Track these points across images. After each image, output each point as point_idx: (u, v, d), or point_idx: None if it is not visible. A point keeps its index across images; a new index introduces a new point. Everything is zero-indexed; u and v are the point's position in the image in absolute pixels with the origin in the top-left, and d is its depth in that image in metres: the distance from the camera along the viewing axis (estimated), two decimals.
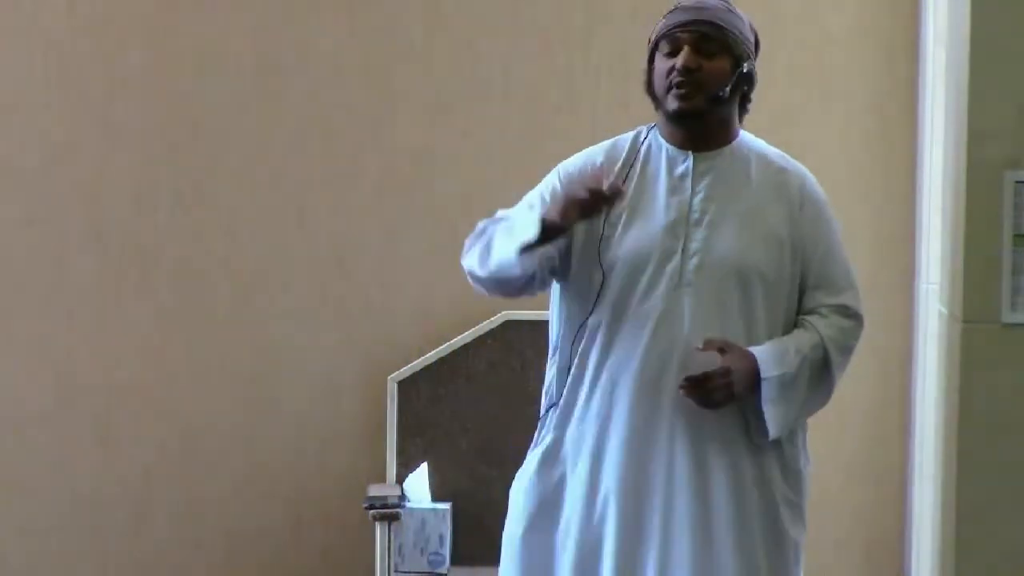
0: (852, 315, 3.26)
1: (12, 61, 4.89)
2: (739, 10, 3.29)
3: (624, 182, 3.25)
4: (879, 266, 4.91)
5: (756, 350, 3.17)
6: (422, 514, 4.66)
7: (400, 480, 4.80)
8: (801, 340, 3.20)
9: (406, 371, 4.84)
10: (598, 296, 3.22)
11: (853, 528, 4.99)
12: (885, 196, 4.93)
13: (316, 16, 4.91)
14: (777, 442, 3.23)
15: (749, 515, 3.19)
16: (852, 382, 5.00)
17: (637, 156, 3.30)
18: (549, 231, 3.10)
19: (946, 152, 3.54)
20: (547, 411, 3.32)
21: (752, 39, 3.30)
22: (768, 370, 3.15)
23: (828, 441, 4.94)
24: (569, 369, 3.26)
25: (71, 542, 4.96)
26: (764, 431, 3.17)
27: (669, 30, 3.23)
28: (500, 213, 3.30)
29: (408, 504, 4.67)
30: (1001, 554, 3.21)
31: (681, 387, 3.13)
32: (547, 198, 3.28)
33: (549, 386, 3.33)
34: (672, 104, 3.22)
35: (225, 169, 4.93)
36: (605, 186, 3.06)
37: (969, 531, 3.22)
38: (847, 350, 3.25)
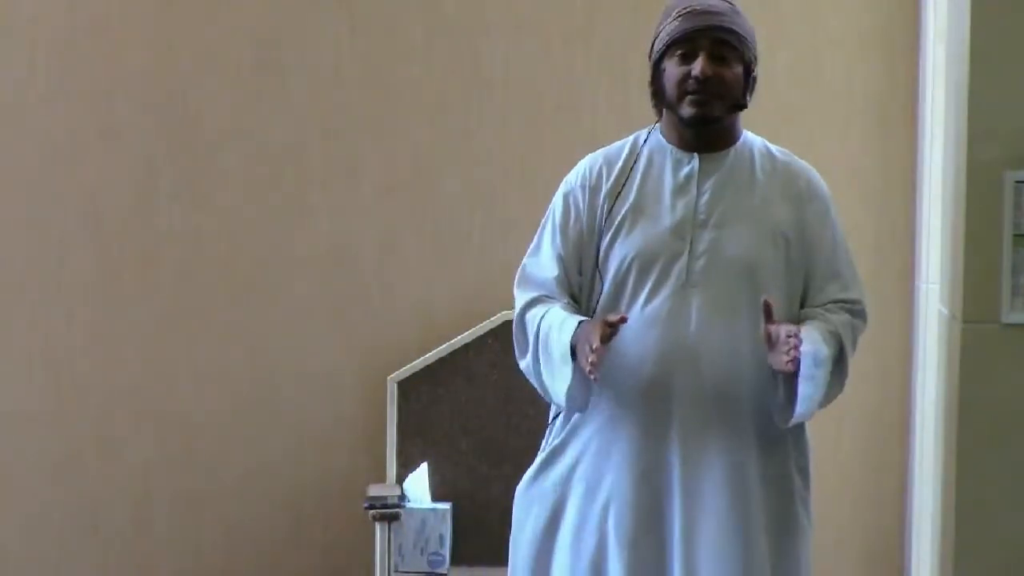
0: (859, 312, 3.27)
1: (12, 61, 4.89)
2: (740, 8, 3.29)
3: (624, 186, 3.26)
4: (879, 266, 4.91)
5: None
6: (422, 514, 4.65)
7: (400, 480, 4.79)
8: (823, 328, 3.18)
9: (406, 371, 4.83)
10: (600, 298, 3.23)
11: (853, 528, 4.99)
12: (885, 196, 4.93)
13: (316, 16, 4.91)
14: (787, 440, 3.23)
15: (754, 513, 3.18)
16: (852, 382, 5.00)
17: (639, 158, 3.30)
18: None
19: (946, 152, 3.54)
20: (554, 417, 3.33)
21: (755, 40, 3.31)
22: (807, 345, 3.08)
23: (828, 441, 4.94)
24: None
25: (71, 542, 4.96)
26: (788, 414, 3.13)
27: (684, 34, 3.21)
28: (528, 293, 3.30)
29: (408, 504, 4.67)
30: (1001, 554, 3.21)
31: (788, 342, 3.03)
32: (559, 232, 3.29)
33: None
34: (687, 111, 3.21)
35: (225, 169, 4.93)
36: (596, 349, 3.05)
37: (969, 531, 3.21)
38: (855, 344, 3.26)
